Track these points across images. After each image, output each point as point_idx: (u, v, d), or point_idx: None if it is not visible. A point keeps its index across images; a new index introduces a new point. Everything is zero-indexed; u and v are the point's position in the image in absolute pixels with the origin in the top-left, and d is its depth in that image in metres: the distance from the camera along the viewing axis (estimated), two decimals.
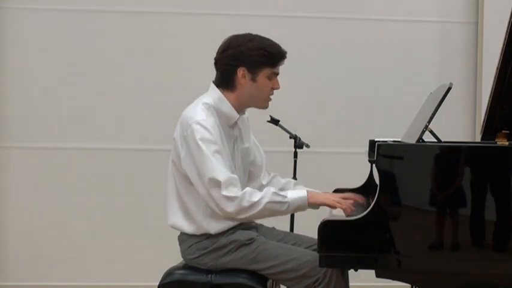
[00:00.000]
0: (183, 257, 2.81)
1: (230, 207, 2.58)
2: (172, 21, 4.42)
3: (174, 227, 2.80)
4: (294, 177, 3.41)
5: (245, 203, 2.58)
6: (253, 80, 2.71)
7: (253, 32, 2.79)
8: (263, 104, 2.78)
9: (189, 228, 2.73)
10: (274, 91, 2.78)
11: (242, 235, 2.71)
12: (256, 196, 2.60)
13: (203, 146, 2.59)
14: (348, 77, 4.45)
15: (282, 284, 2.79)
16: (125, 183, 4.40)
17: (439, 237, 2.45)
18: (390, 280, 2.53)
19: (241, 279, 2.66)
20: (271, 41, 2.74)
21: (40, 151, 4.38)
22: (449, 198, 2.45)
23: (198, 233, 2.71)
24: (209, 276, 2.69)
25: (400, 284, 2.66)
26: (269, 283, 2.77)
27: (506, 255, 2.45)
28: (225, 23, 4.41)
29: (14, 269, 4.38)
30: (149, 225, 4.37)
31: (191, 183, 2.68)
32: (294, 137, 3.35)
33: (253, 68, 2.70)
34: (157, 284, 2.72)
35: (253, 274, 2.69)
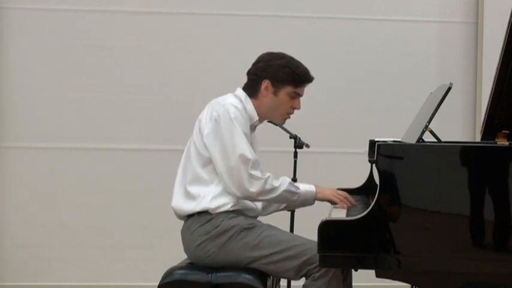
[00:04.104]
0: (186, 249, 2.82)
1: (254, 187, 2.70)
2: (172, 21, 4.42)
3: (175, 208, 2.85)
4: (294, 177, 3.41)
5: (268, 186, 2.72)
6: (275, 94, 2.87)
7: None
8: (279, 119, 2.96)
9: (188, 205, 2.77)
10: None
11: (243, 220, 2.76)
12: (277, 182, 2.76)
13: (236, 124, 2.71)
14: (347, 77, 4.45)
15: (281, 274, 2.77)
16: (125, 183, 4.40)
17: (438, 237, 2.45)
18: (390, 280, 2.53)
19: (242, 279, 2.66)
20: (301, 63, 2.89)
21: (40, 151, 4.39)
22: (449, 198, 2.45)
23: (198, 208, 2.74)
24: (209, 275, 2.69)
25: (400, 284, 2.66)
26: (269, 283, 2.77)
27: (506, 255, 2.45)
28: (225, 23, 4.42)
29: (14, 269, 4.38)
30: (149, 225, 4.38)
31: (206, 165, 2.75)
32: (294, 137, 3.35)
33: (277, 83, 2.85)
34: (157, 284, 2.72)
35: (253, 273, 2.69)
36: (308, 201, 2.86)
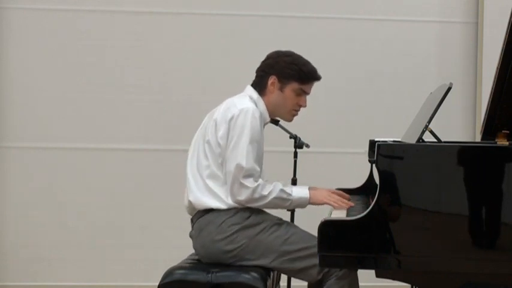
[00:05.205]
0: (207, 244, 2.79)
1: (242, 195, 2.74)
2: (172, 21, 4.42)
3: (194, 202, 2.84)
4: (294, 177, 3.41)
5: (256, 195, 2.76)
6: (281, 90, 2.92)
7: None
8: (287, 116, 2.99)
9: (212, 202, 2.80)
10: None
11: (271, 216, 2.86)
12: (267, 190, 2.78)
13: (249, 133, 2.76)
14: (348, 77, 4.45)
15: (305, 271, 2.76)
16: (125, 183, 4.40)
17: (438, 237, 2.45)
18: (390, 280, 2.53)
19: (242, 279, 2.66)
20: (309, 62, 2.96)
21: (40, 151, 4.38)
22: (449, 198, 2.45)
23: (224, 206, 2.79)
24: (209, 275, 2.68)
25: (400, 284, 2.66)
26: (269, 283, 2.77)
27: (506, 255, 2.45)
28: (225, 23, 4.42)
29: (14, 269, 4.38)
30: (149, 225, 4.38)
31: (220, 167, 2.80)
32: (294, 137, 3.35)
33: (283, 79, 2.91)
34: (157, 284, 2.72)
35: (253, 273, 2.69)
36: (302, 206, 2.88)
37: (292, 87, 2.90)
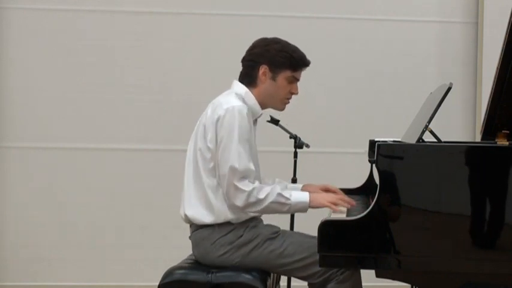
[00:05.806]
0: (204, 258, 2.76)
1: (238, 200, 2.65)
2: (172, 21, 4.42)
3: (191, 217, 2.76)
4: (294, 177, 3.41)
5: (252, 199, 2.65)
6: (273, 79, 2.81)
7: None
8: (280, 105, 2.88)
9: (209, 218, 2.73)
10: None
11: (266, 229, 2.76)
12: (263, 194, 2.66)
13: (237, 133, 2.65)
14: (347, 77, 4.46)
15: (305, 278, 2.75)
16: (125, 183, 4.40)
17: (438, 237, 2.45)
18: (390, 280, 2.54)
19: (242, 279, 2.66)
20: (297, 48, 2.86)
21: (40, 151, 4.39)
22: (449, 198, 2.45)
23: (219, 221, 2.71)
24: (209, 275, 2.68)
25: (400, 284, 2.66)
26: (269, 283, 2.77)
27: (506, 255, 2.45)
28: (225, 23, 4.42)
29: (14, 269, 4.38)
30: (149, 225, 4.38)
31: (212, 171, 2.71)
32: (294, 137, 3.35)
33: (275, 68, 2.80)
34: (157, 284, 2.72)
35: (253, 273, 2.69)
36: (301, 210, 2.75)
37: (284, 75, 2.79)
